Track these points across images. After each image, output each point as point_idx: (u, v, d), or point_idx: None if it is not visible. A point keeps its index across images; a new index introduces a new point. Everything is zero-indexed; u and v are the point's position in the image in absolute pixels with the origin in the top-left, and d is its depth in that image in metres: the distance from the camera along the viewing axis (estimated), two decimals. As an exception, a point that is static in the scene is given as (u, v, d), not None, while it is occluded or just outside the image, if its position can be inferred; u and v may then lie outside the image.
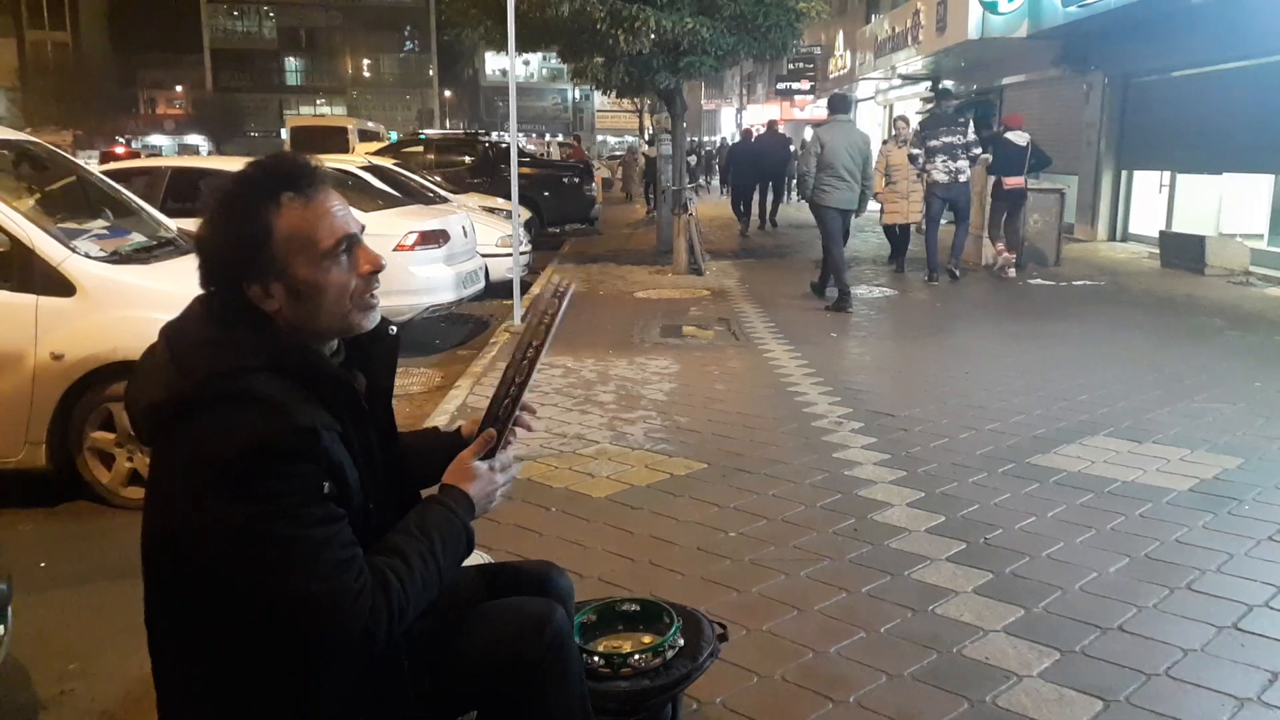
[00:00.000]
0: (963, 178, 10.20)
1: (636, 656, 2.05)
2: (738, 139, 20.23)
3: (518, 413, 1.71)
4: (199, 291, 1.58)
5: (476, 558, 2.23)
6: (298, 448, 1.40)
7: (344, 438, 1.50)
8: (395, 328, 1.72)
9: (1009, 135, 10.87)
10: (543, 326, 1.67)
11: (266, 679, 1.50)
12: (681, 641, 2.13)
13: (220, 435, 1.38)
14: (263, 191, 1.49)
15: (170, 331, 1.54)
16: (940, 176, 10.17)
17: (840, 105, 9.16)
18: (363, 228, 1.59)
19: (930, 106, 12.75)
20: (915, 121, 11.77)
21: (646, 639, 2.15)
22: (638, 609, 2.25)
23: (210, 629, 1.48)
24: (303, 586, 1.39)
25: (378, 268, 1.58)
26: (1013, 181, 10.73)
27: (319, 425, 1.43)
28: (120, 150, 35.77)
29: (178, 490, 1.43)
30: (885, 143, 10.95)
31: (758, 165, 16.84)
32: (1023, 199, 10.96)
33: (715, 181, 27.43)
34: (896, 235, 11.70)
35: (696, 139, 32.37)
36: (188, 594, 1.48)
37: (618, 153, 35.56)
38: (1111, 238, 14.53)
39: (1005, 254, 10.85)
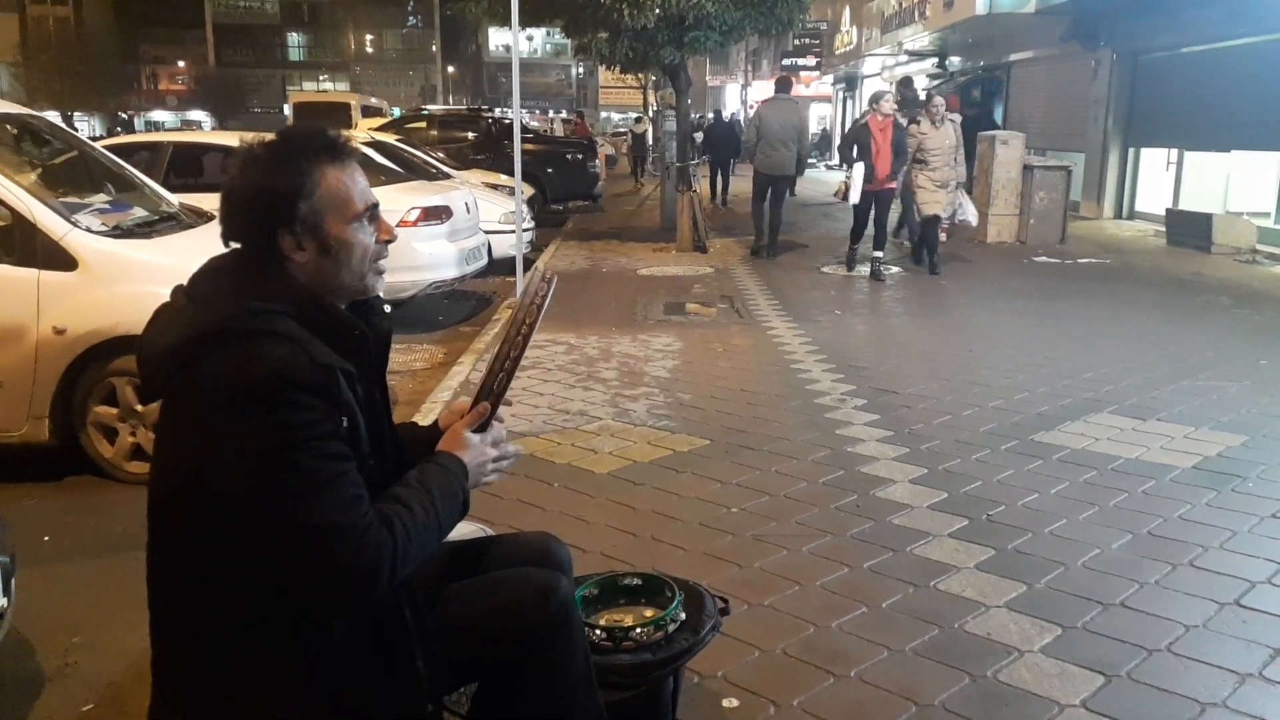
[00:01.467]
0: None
1: (638, 630, 2.05)
2: (710, 119, 20.56)
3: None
4: (203, 262, 1.61)
5: (476, 530, 2.24)
6: (318, 382, 1.45)
7: (353, 385, 1.54)
8: (389, 306, 1.78)
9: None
10: (534, 306, 1.73)
11: (269, 627, 1.50)
12: (683, 615, 2.13)
13: (246, 364, 1.42)
14: (307, 151, 1.58)
15: (189, 284, 1.59)
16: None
17: (782, 86, 11.44)
18: (378, 202, 1.68)
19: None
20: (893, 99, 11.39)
21: (648, 613, 2.15)
22: (640, 583, 2.25)
23: (215, 571, 1.49)
24: (315, 516, 1.41)
25: (392, 237, 1.68)
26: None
27: (336, 365, 1.49)
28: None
29: (198, 419, 1.45)
30: (915, 121, 9.41)
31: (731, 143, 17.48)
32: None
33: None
34: (916, 228, 9.75)
35: (703, 115, 32.23)
36: (195, 532, 1.49)
37: (621, 129, 35.32)
38: (1118, 215, 14.45)
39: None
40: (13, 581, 2.40)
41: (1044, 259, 10.48)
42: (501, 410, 1.78)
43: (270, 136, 1.60)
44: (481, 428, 1.73)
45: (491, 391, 1.73)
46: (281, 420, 1.41)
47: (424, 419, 4.38)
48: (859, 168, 8.93)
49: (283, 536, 1.42)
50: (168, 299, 1.59)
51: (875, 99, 9.12)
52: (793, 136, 10.41)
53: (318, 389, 1.45)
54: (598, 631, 2.05)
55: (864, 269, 9.43)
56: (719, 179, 18.13)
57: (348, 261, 1.60)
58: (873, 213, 9.17)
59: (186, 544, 1.51)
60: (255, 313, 1.47)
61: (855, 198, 9.09)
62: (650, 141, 32.82)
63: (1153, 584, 3.02)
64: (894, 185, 9.20)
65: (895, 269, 9.71)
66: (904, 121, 9.21)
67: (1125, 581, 3.03)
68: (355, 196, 1.60)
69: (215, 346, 1.44)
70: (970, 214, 9.85)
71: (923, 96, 11.36)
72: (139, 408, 3.96)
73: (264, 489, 1.41)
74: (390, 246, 1.69)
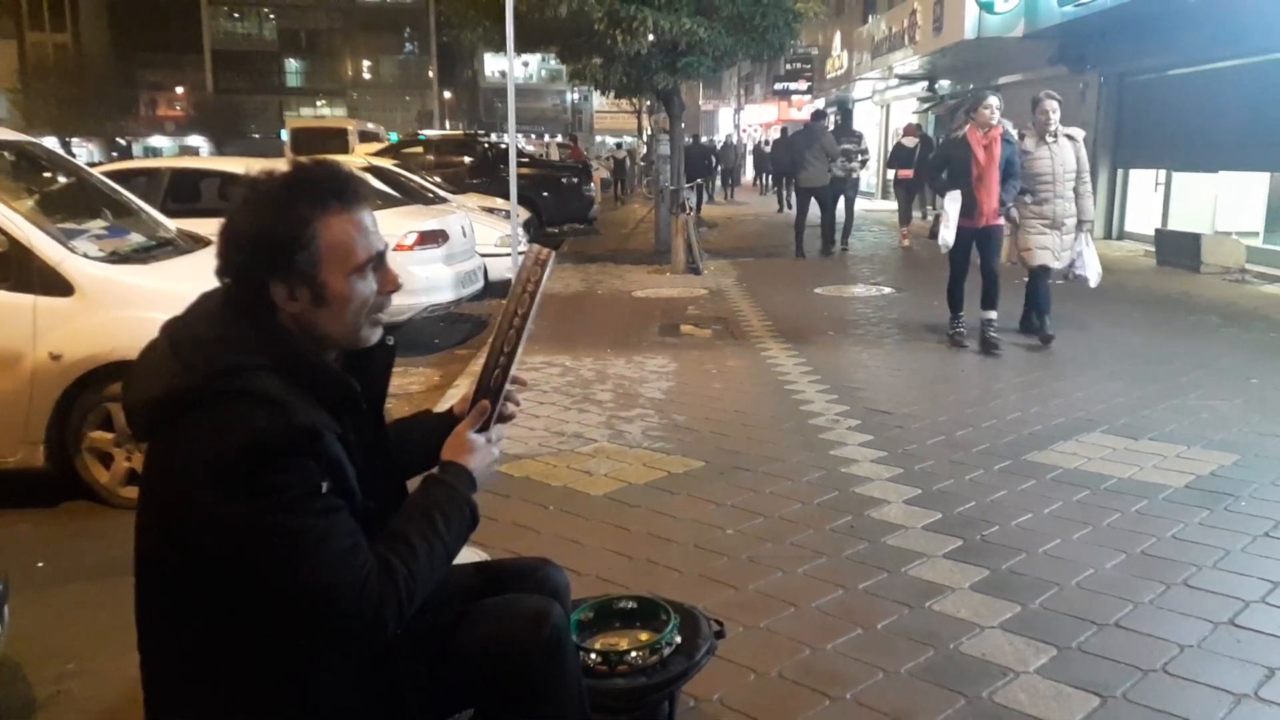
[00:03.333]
0: (854, 175, 13.72)
1: (634, 654, 2.05)
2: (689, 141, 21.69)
3: (509, 387, 1.71)
4: (198, 291, 1.58)
5: (473, 555, 2.24)
6: (297, 445, 1.41)
7: (342, 438, 1.51)
8: (392, 338, 1.72)
9: (903, 140, 15.44)
10: (526, 294, 1.68)
11: (262, 677, 1.49)
12: (679, 639, 2.13)
13: (221, 431, 1.38)
14: (313, 196, 1.51)
15: (173, 327, 1.54)
16: (839, 173, 13.14)
17: (816, 117, 13.56)
18: (388, 245, 1.61)
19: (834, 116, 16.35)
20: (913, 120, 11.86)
21: (644, 636, 2.15)
22: (635, 606, 2.25)
23: (205, 627, 1.48)
24: (310, 577, 1.40)
25: (396, 287, 1.61)
26: (904, 173, 14.98)
27: (319, 425, 1.44)
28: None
29: (176, 485, 1.43)
30: (1021, 135, 6.90)
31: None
32: (917, 187, 15.27)
33: (718, 182, 27.45)
34: (1037, 286, 7.14)
35: (708, 138, 32.59)
36: (183, 591, 1.47)
37: (618, 155, 35.55)
38: (1107, 236, 14.53)
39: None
40: (5, 607, 2.39)
41: (1037, 280, 10.51)
42: (516, 395, 1.75)
43: (279, 170, 1.54)
44: (484, 426, 1.69)
45: (489, 388, 1.69)
46: (262, 488, 1.38)
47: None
48: (953, 198, 6.71)
49: (276, 599, 1.41)
50: (156, 335, 1.54)
51: (973, 104, 6.78)
52: (820, 155, 12.52)
53: (298, 451, 1.41)
54: (593, 656, 2.05)
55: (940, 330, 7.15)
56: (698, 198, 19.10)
57: (342, 313, 1.54)
58: (971, 258, 6.94)
59: (176, 595, 1.49)
60: (234, 370, 1.42)
61: (949, 238, 6.78)
62: (629, 164, 33.29)
63: (1147, 604, 3.02)
64: (1002, 222, 6.82)
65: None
66: (1014, 133, 6.78)
67: (1120, 601, 3.03)
68: (358, 247, 1.53)
69: (190, 409, 1.41)
70: (1091, 269, 7.17)
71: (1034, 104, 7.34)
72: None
73: (253, 556, 1.39)
74: (401, 289, 1.63)
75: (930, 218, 15.90)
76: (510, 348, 1.67)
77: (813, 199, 12.93)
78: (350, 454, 1.52)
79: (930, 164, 7.87)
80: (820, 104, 26.22)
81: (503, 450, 1.75)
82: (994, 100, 6.69)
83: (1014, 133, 6.79)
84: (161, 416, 1.44)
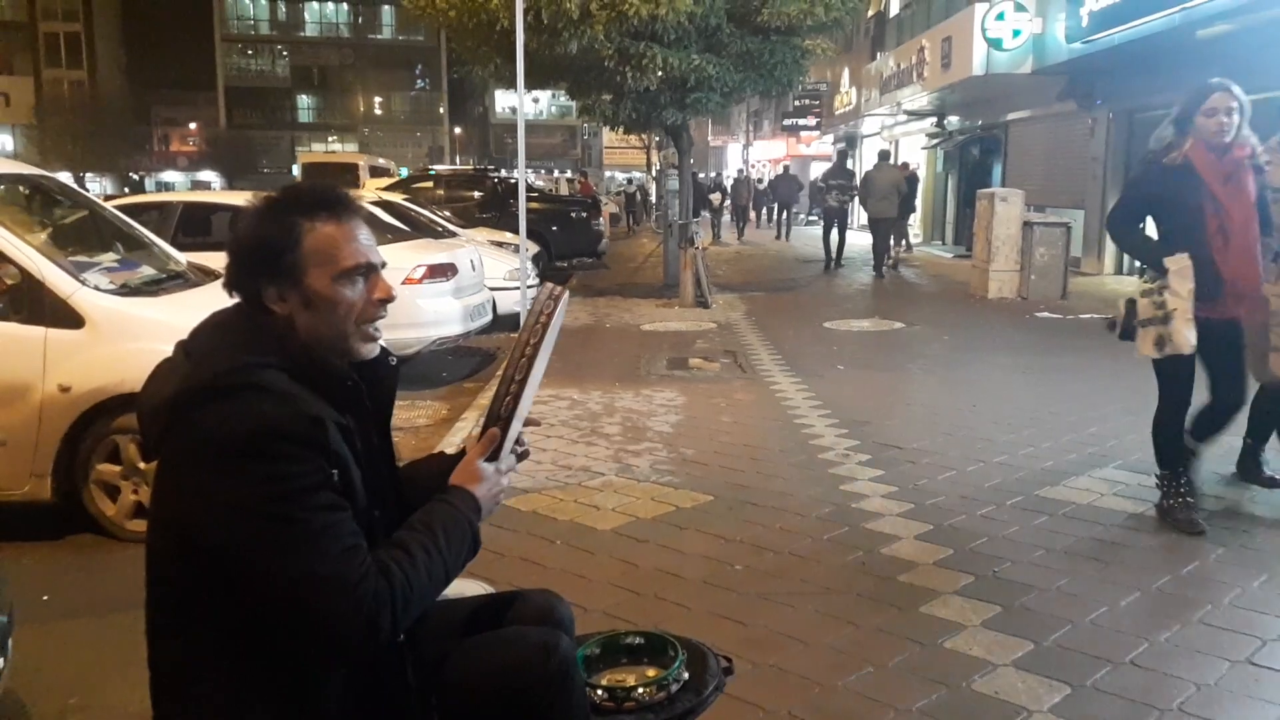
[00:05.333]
0: (846, 207, 16.02)
1: (640, 690, 2.02)
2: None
3: (520, 429, 1.72)
4: (205, 317, 1.63)
5: (479, 589, 2.22)
6: (306, 434, 1.45)
7: (349, 437, 1.54)
8: (395, 359, 1.76)
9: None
10: (539, 326, 1.69)
11: (269, 681, 1.49)
12: (686, 675, 2.09)
13: (231, 418, 1.43)
14: (301, 205, 1.59)
15: (188, 339, 1.62)
16: (833, 203, 15.70)
17: (883, 157, 16.37)
18: (384, 263, 1.66)
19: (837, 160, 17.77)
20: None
21: (651, 672, 2.12)
22: (642, 642, 2.22)
23: (213, 625, 1.48)
24: (306, 568, 1.41)
25: (388, 297, 1.65)
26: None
27: (326, 417, 1.49)
28: None
29: (187, 475, 1.46)
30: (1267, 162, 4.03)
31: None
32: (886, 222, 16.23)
33: (725, 217, 27.59)
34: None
35: (711, 174, 32.75)
36: (189, 588, 1.48)
37: (629, 189, 35.84)
38: (1118, 271, 14.53)
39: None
40: (9, 641, 2.38)
41: (1046, 314, 10.51)
42: (525, 432, 1.76)
43: (276, 190, 1.63)
44: (493, 455, 1.70)
45: (499, 417, 1.70)
46: (269, 474, 1.41)
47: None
48: (1178, 263, 3.82)
49: (275, 590, 1.41)
50: (167, 355, 1.61)
51: (1193, 104, 3.90)
52: (891, 191, 15.08)
53: (306, 440, 1.45)
54: (599, 691, 2.02)
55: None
56: None
57: (329, 317, 1.58)
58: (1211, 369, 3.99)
59: (181, 599, 1.50)
60: (244, 367, 1.48)
61: (1189, 338, 3.82)
62: (640, 198, 33.58)
63: (1162, 641, 2.98)
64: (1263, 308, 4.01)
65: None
66: (1261, 155, 4.01)
67: (1134, 639, 2.98)
68: (344, 253, 1.58)
69: (204, 401, 1.45)
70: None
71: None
72: (142, 465, 3.95)
73: (254, 543, 1.41)
74: (396, 303, 1.67)
75: (901, 247, 17.61)
76: (522, 375, 1.68)
77: (833, 225, 16.05)
78: (355, 455, 1.55)
79: (1119, 212, 4.10)
80: (843, 144, 27.22)
81: (511, 481, 1.75)
82: (1233, 96, 3.85)
83: (1261, 154, 4.03)
84: (174, 416, 1.47)
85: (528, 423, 1.75)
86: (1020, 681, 2.74)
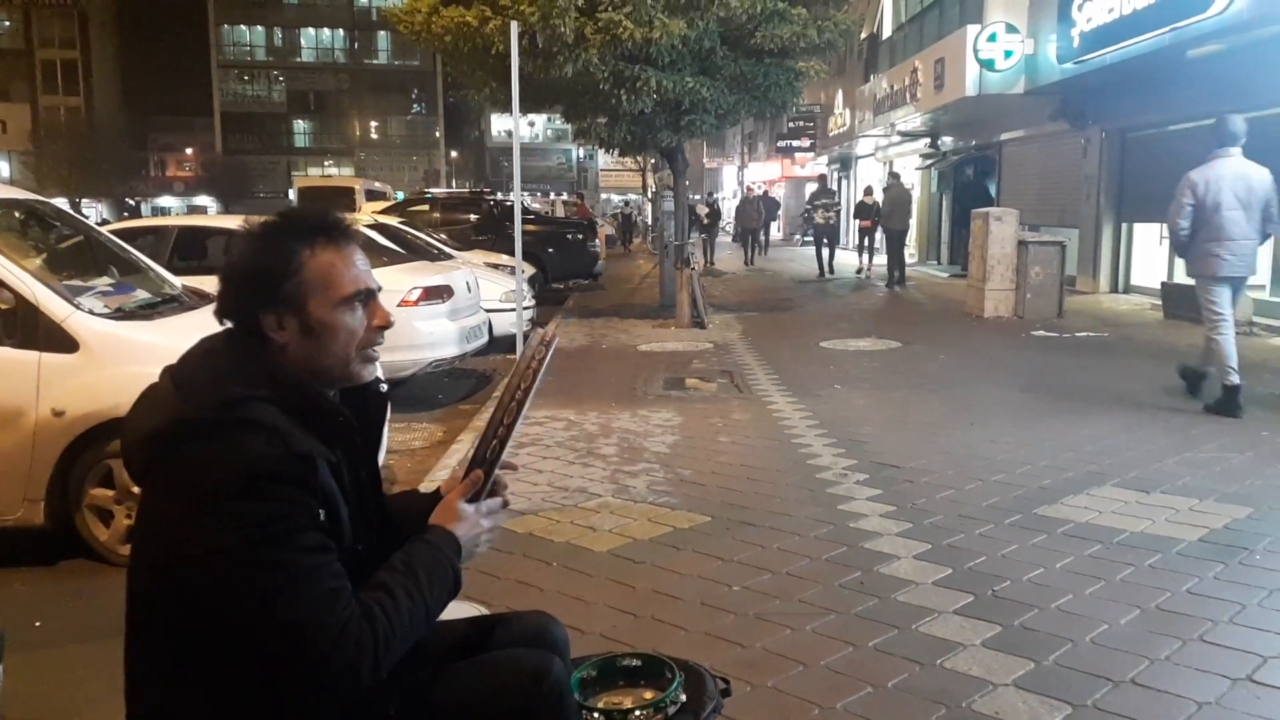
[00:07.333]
0: (832, 223, 19.05)
1: (638, 712, 2.00)
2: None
3: (497, 471, 1.70)
4: (194, 343, 1.61)
5: (472, 611, 2.20)
6: (295, 474, 1.42)
7: (336, 473, 1.52)
8: (385, 385, 1.75)
9: (864, 199, 18.83)
10: (530, 371, 1.69)
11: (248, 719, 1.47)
12: (684, 697, 2.08)
13: (219, 459, 1.40)
14: (299, 231, 1.58)
15: (173, 367, 1.58)
16: (820, 220, 18.93)
17: (895, 178, 18.68)
18: (380, 288, 1.66)
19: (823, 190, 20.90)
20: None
21: (648, 695, 2.10)
22: (639, 664, 2.20)
23: (192, 664, 1.46)
24: (290, 613, 1.38)
25: (386, 324, 1.65)
26: (865, 223, 18.78)
27: (316, 454, 1.46)
28: None
29: (173, 513, 1.43)
30: None
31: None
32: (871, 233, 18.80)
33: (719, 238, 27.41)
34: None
35: (711, 193, 32.83)
36: (172, 626, 1.46)
37: (625, 211, 35.95)
38: (1114, 289, 14.56)
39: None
40: (1, 667, 2.35)
41: (1042, 333, 10.53)
42: (505, 477, 1.74)
43: (272, 215, 1.62)
44: (474, 497, 1.69)
45: (484, 460, 1.69)
46: (257, 517, 1.39)
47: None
48: None
49: (258, 633, 1.40)
50: (157, 380, 1.58)
51: None
52: (906, 211, 17.07)
53: (295, 481, 1.42)
54: (596, 714, 2.00)
55: None
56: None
57: (330, 345, 1.57)
58: None
59: (163, 640, 1.48)
60: (232, 402, 1.45)
61: None
62: (635, 218, 33.57)
63: (1163, 659, 2.96)
64: None
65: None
66: None
67: (1135, 658, 2.97)
68: (345, 280, 1.57)
69: (189, 438, 1.43)
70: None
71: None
72: (135, 489, 3.93)
73: (237, 586, 1.39)
74: (392, 326, 1.66)
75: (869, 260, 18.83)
76: (510, 420, 1.67)
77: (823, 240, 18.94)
78: (343, 491, 1.53)
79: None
80: (837, 164, 28.94)
81: (495, 524, 1.73)
82: None
83: None
84: (160, 449, 1.45)
85: (504, 466, 1.72)
86: (1021, 701, 2.72)
